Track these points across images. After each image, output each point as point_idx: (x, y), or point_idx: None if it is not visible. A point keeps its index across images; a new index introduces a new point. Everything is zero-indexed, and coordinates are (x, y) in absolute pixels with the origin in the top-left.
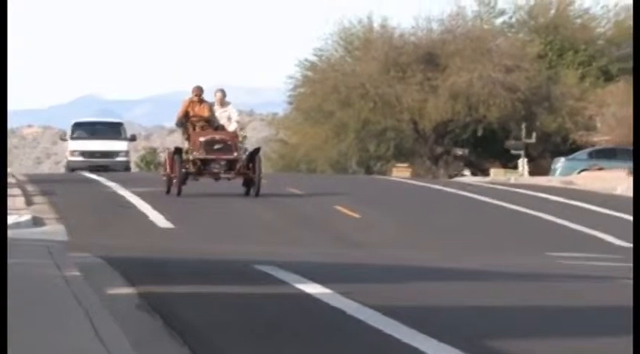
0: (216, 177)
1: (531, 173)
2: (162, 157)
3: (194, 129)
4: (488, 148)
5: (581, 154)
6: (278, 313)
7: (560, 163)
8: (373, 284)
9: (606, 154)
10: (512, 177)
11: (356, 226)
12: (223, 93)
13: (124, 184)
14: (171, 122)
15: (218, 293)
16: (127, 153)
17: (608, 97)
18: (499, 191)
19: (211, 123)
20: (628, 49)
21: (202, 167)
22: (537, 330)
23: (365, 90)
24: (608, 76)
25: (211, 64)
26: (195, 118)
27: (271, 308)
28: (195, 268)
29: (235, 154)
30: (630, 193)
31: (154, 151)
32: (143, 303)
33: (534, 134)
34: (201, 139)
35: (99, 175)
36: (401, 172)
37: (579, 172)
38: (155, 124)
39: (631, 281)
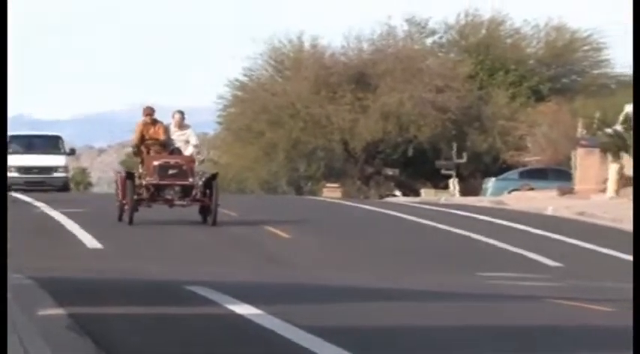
0: (170, 204)
1: (462, 193)
2: (114, 178)
3: (148, 152)
4: (419, 168)
5: (512, 174)
6: (210, 334)
7: (490, 183)
8: (304, 305)
9: (537, 174)
10: (443, 197)
11: (286, 246)
12: (182, 115)
13: (53, 204)
14: (100, 142)
15: (149, 314)
16: (65, 168)
17: (539, 117)
18: (430, 211)
19: (166, 146)
20: (559, 68)
21: (156, 193)
22: (464, 350)
23: (295, 110)
24: (538, 96)
25: (141, 84)
26: (150, 141)
27: (203, 329)
28: (126, 289)
29: (191, 179)
30: (561, 213)
31: (83, 171)
32: (73, 324)
33: (465, 154)
34: (155, 163)
35: (29, 195)
36: (331, 193)
37: (510, 192)
38: (85, 144)
39: (558, 301)
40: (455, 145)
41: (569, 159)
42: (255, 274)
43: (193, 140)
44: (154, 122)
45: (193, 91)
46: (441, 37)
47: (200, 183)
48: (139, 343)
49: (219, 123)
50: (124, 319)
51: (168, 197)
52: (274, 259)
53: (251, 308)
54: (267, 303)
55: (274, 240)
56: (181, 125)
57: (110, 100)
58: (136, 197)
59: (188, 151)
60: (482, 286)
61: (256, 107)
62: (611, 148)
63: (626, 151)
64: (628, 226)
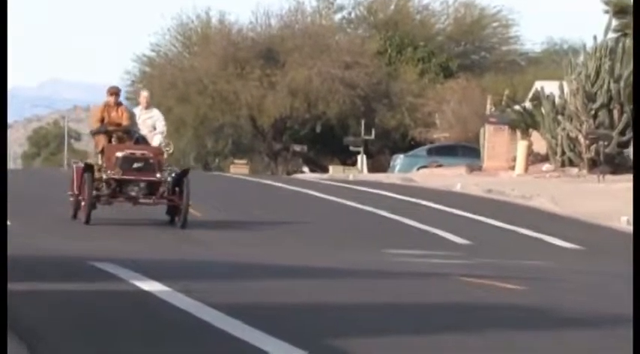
0: (134, 201)
1: (370, 170)
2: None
3: (109, 141)
4: (327, 144)
5: (420, 150)
6: (115, 310)
7: (399, 159)
8: (213, 282)
9: (445, 151)
10: (350, 174)
11: (196, 223)
12: (150, 95)
13: None
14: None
15: (53, 290)
16: None
17: (448, 94)
18: (337, 188)
19: (131, 134)
20: (468, 45)
21: (117, 189)
22: (375, 327)
23: (203, 86)
24: (447, 73)
25: (48, 59)
26: (112, 126)
27: (109, 306)
28: (30, 265)
29: (158, 174)
30: (469, 190)
31: None
32: None
33: (373, 131)
34: (119, 154)
35: None
36: (239, 169)
37: (418, 169)
38: None
39: (466, 278)
40: (363, 122)
41: (477, 136)
42: (163, 250)
43: (160, 126)
44: (118, 105)
45: (100, 66)
46: (349, 13)
47: (169, 179)
48: (42, 319)
49: (127, 99)
50: (28, 296)
51: (132, 194)
52: (184, 236)
53: (159, 285)
54: (176, 279)
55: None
56: (149, 105)
57: (16, 75)
58: (94, 193)
59: (155, 140)
60: (389, 264)
61: (164, 83)
62: (520, 125)
63: (535, 128)
64: (536, 203)
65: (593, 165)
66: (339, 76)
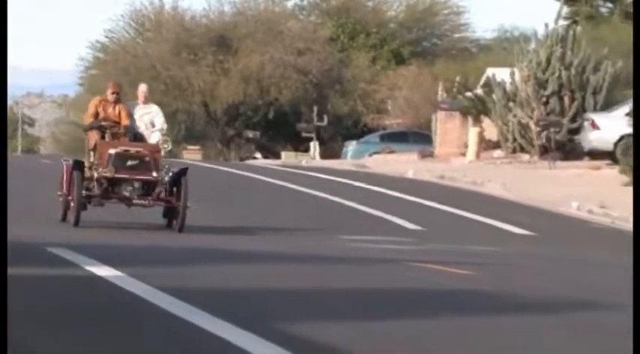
0: (128, 202)
1: (323, 156)
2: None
3: (103, 137)
4: (280, 130)
5: (373, 137)
6: (70, 295)
7: (351, 146)
8: (167, 267)
9: (397, 138)
10: (303, 160)
11: (151, 208)
12: (148, 88)
13: None
14: None
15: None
16: None
17: (400, 81)
18: (290, 174)
19: (126, 130)
20: (419, 32)
21: (110, 189)
22: (329, 312)
23: (156, 72)
24: (399, 60)
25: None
26: (106, 123)
27: (63, 291)
28: None
29: (155, 174)
30: (422, 176)
31: None
32: None
33: (326, 117)
34: (112, 151)
35: None
36: (192, 155)
37: (371, 155)
38: None
39: (418, 264)
40: (316, 108)
41: (429, 122)
42: (118, 236)
43: (159, 123)
44: (116, 102)
45: (54, 53)
46: (302, 0)
47: (166, 179)
48: None
49: (81, 85)
50: None
51: (126, 194)
52: (141, 222)
53: (112, 270)
54: (130, 265)
55: None
56: (147, 100)
57: None
58: (84, 192)
59: (154, 137)
60: (343, 249)
61: (117, 69)
62: (472, 111)
63: (486, 115)
64: (487, 189)
65: (544, 151)
66: (292, 62)
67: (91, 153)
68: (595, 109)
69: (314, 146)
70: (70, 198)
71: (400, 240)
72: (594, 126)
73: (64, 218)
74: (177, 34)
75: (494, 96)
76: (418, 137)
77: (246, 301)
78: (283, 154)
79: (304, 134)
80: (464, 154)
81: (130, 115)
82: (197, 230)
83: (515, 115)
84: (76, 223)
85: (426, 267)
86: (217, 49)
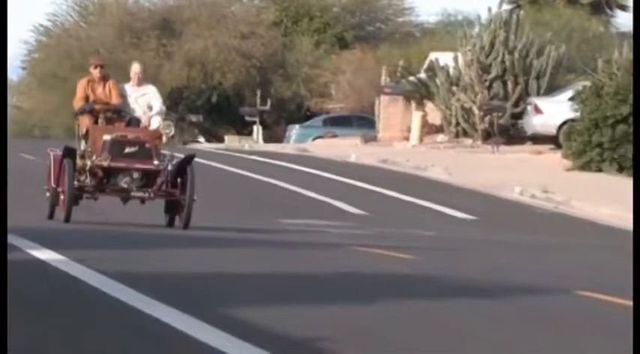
0: (126, 196)
1: (266, 140)
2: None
3: (95, 122)
4: (223, 114)
5: (316, 121)
6: (11, 279)
7: (294, 130)
8: (109, 251)
9: (340, 122)
10: (246, 144)
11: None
12: (142, 68)
13: None
14: None
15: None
16: None
17: (343, 65)
18: (233, 158)
19: (122, 114)
20: (363, 16)
21: (105, 180)
22: (272, 296)
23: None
24: (343, 44)
25: None
26: (99, 105)
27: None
28: None
29: (156, 162)
30: (364, 161)
31: None
32: None
33: (269, 101)
34: (107, 137)
35: None
36: None
37: (314, 140)
38: None
39: (361, 248)
40: (259, 92)
41: (372, 106)
42: (58, 219)
43: (157, 104)
44: (104, 79)
45: None
46: None
47: (169, 168)
48: None
49: (24, 68)
50: None
51: (123, 186)
52: (81, 206)
53: (53, 254)
54: (71, 249)
55: None
56: (141, 81)
57: None
58: (76, 184)
59: (154, 122)
60: (286, 233)
61: (61, 53)
62: (415, 96)
63: (430, 99)
64: (430, 173)
65: (487, 136)
66: (235, 46)
67: (83, 140)
68: (538, 94)
69: (257, 130)
70: (60, 190)
71: (344, 224)
72: (537, 110)
73: (51, 215)
74: (121, 18)
75: (437, 80)
76: (361, 121)
77: (190, 285)
78: (226, 137)
79: (247, 118)
80: (407, 139)
81: (123, 97)
82: (141, 214)
83: (458, 100)
84: (67, 220)
85: (371, 251)
86: (161, 33)
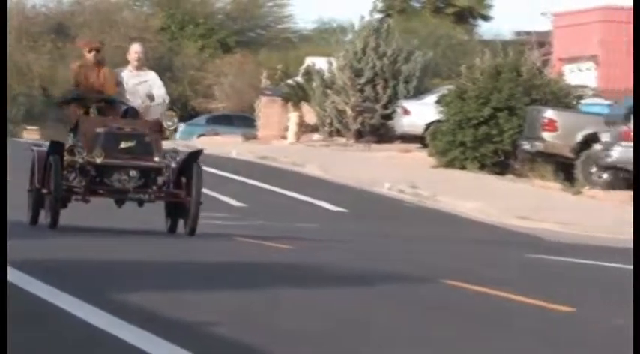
0: (122, 197)
1: None
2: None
3: (86, 112)
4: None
5: (200, 119)
6: None
7: (180, 127)
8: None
9: (223, 121)
10: None
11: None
12: (144, 50)
13: None
14: None
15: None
16: None
17: (226, 68)
18: None
19: (116, 104)
20: (245, 23)
21: (98, 179)
22: (158, 284)
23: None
24: (226, 48)
25: None
26: (92, 94)
27: None
28: None
29: (157, 158)
30: (245, 157)
31: None
32: None
33: None
34: (100, 130)
35: None
36: (32, 135)
37: (198, 137)
38: None
39: (242, 238)
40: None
41: (252, 107)
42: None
43: (160, 94)
44: (98, 64)
45: None
46: None
47: (173, 165)
48: None
49: None
50: None
51: (118, 186)
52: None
53: None
54: None
55: None
56: (141, 66)
57: None
58: (64, 185)
59: (153, 113)
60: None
61: None
62: (292, 97)
63: (306, 101)
64: (306, 170)
65: (359, 135)
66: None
67: (72, 134)
68: (407, 97)
69: None
70: (45, 192)
71: (225, 216)
72: (406, 112)
73: (34, 221)
74: (20, 22)
75: (313, 83)
76: (242, 120)
77: (78, 272)
78: None
79: None
80: (284, 137)
81: (119, 84)
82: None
83: (333, 102)
84: (54, 225)
85: (252, 242)
86: (56, 37)
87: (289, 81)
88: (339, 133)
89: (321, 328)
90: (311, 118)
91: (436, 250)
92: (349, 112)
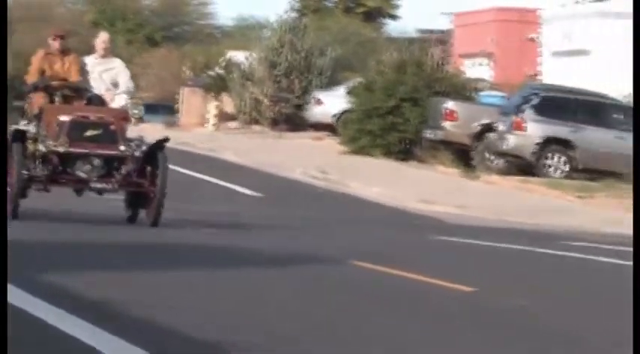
0: (83, 186)
1: None
2: None
3: (51, 101)
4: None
5: None
6: None
7: None
8: None
9: (147, 109)
10: None
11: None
12: (111, 38)
13: None
14: None
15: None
16: None
17: (152, 61)
18: None
19: (81, 92)
20: (171, 19)
21: (60, 168)
22: (77, 264)
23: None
24: (152, 43)
25: None
26: (56, 82)
27: None
28: None
29: (122, 147)
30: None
31: None
32: None
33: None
34: (64, 118)
35: None
36: None
37: None
38: None
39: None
40: None
41: (175, 96)
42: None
43: (125, 82)
44: (63, 53)
45: None
46: None
47: (137, 154)
48: None
49: None
50: None
51: (82, 175)
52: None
53: None
54: None
55: None
56: (108, 53)
57: None
58: (26, 173)
59: (118, 101)
60: (95, 207)
61: None
62: (213, 88)
63: (226, 91)
64: (223, 155)
65: (274, 123)
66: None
67: (34, 122)
68: (319, 88)
69: None
70: (8, 181)
71: None
72: (318, 102)
73: None
74: None
75: (233, 75)
76: (165, 109)
77: (35, 256)
78: None
79: None
80: (204, 125)
81: (82, 70)
82: None
83: (252, 93)
84: (15, 216)
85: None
86: None
87: (210, 73)
88: (256, 122)
89: (235, 309)
90: (230, 107)
91: (345, 232)
92: (265, 101)
